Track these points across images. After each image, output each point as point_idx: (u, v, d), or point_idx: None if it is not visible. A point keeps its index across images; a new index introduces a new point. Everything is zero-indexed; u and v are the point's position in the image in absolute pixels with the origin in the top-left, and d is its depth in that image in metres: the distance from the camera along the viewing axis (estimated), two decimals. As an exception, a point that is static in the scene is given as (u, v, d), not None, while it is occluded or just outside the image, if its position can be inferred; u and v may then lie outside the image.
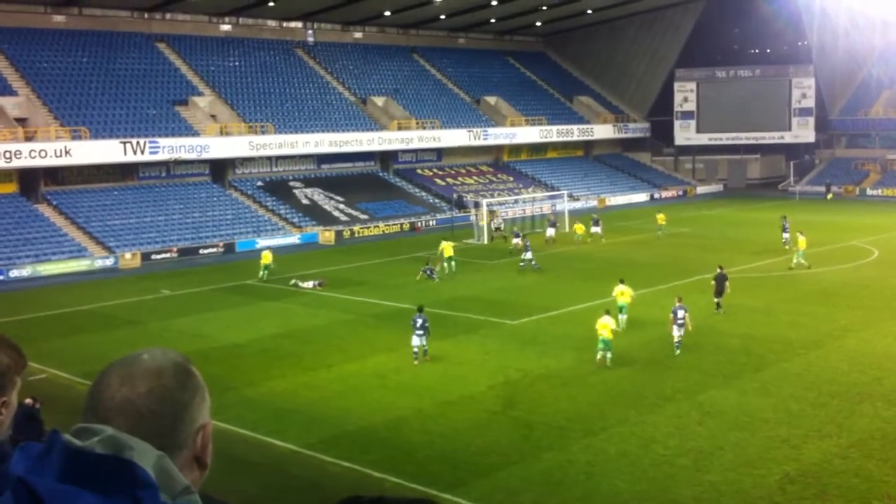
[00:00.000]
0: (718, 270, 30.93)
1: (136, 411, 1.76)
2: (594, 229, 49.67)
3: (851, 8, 68.52)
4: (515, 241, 44.64)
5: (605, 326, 24.00)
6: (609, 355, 23.96)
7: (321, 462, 18.12)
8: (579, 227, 49.42)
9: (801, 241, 38.45)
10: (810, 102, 78.20)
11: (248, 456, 18.51)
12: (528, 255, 39.90)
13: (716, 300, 30.23)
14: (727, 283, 30.30)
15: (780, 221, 45.94)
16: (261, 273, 39.75)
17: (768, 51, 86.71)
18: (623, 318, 27.64)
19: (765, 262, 40.25)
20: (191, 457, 1.82)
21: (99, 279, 42.13)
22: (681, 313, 25.36)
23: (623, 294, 28.09)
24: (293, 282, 37.90)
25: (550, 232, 48.18)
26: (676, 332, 25.27)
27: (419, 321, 24.78)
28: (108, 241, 47.26)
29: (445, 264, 39.26)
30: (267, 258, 40.29)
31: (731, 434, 18.63)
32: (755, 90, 79.51)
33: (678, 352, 25.16)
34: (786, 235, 44.27)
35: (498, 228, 52.21)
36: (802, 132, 79.09)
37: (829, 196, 68.89)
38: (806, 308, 30.62)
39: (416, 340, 24.89)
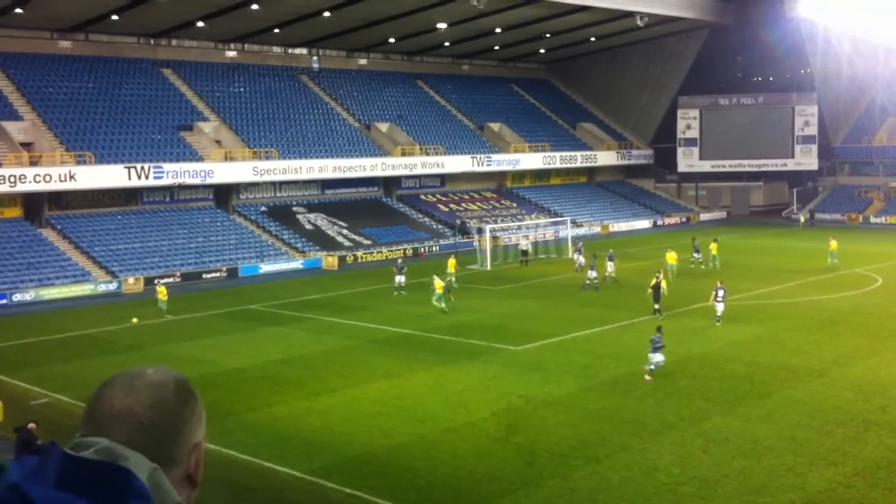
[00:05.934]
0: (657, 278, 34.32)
1: (137, 421, 1.77)
2: (609, 265, 43.53)
3: (854, 36, 68.75)
4: (578, 258, 46.13)
5: None
6: None
7: (322, 488, 18.00)
8: (671, 257, 43.22)
9: None
10: (813, 130, 78.43)
11: (248, 482, 18.42)
12: (593, 274, 41.37)
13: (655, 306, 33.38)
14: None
15: (692, 243, 48.67)
16: (160, 304, 37.80)
17: (771, 78, 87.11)
18: None
19: (768, 289, 40.15)
20: (184, 474, 1.82)
21: (102, 304, 42.15)
22: (721, 293, 31.95)
23: None
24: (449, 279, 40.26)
25: (580, 259, 45.49)
26: (719, 308, 31.81)
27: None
28: (112, 266, 47.32)
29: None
30: (162, 293, 38.24)
31: (736, 462, 18.51)
32: (758, 117, 79.77)
33: (718, 324, 31.42)
34: (696, 255, 47.34)
35: (525, 252, 51.78)
36: (806, 160, 79.29)
37: (802, 220, 69.67)
38: (810, 336, 30.51)
39: (653, 357, 25.71)
